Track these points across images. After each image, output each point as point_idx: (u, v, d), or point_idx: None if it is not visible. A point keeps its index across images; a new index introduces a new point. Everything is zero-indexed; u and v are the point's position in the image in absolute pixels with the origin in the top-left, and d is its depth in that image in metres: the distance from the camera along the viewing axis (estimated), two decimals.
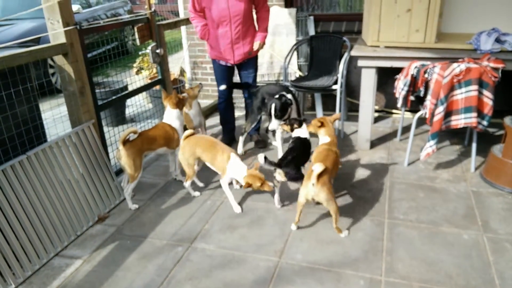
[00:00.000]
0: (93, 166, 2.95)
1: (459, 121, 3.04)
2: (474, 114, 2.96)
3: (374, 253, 2.43)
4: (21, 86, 2.59)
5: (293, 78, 4.46)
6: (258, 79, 4.70)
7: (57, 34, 2.74)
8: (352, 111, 4.52)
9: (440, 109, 2.99)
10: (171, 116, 3.24)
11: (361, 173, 3.33)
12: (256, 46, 3.57)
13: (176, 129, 3.21)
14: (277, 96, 3.26)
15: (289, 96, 3.30)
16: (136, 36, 3.58)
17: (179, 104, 3.27)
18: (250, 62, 3.69)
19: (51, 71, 6.18)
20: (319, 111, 4.59)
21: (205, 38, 3.59)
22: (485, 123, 3.01)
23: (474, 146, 3.26)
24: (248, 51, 3.56)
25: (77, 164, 2.84)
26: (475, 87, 2.91)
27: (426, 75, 3.07)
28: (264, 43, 3.63)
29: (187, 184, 3.08)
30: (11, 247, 2.33)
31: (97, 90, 3.25)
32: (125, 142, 2.87)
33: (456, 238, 2.52)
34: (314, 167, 2.44)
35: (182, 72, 5.24)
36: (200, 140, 3.03)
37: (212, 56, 3.69)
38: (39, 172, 2.56)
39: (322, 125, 2.92)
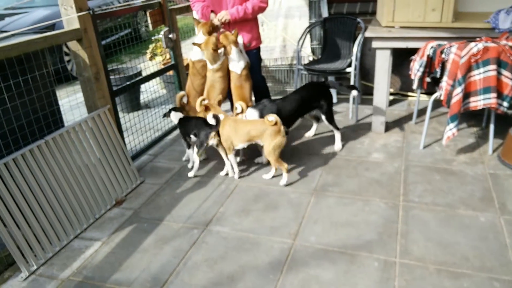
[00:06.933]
0: (110, 150, 3.00)
1: (478, 102, 2.97)
2: (494, 95, 2.90)
3: (388, 235, 2.43)
4: (37, 72, 2.62)
5: (306, 61, 4.42)
6: (271, 63, 4.69)
7: (70, 19, 2.76)
8: (366, 94, 4.47)
9: (458, 90, 2.94)
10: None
11: (376, 156, 3.31)
12: (217, 16, 3.27)
13: None
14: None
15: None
16: (149, 21, 3.58)
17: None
18: (249, 55, 3.47)
19: (66, 58, 6.25)
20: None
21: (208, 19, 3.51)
22: (505, 104, 2.94)
23: (491, 128, 3.20)
24: (245, 42, 3.42)
25: (94, 149, 2.89)
26: (493, 66, 2.84)
27: (442, 55, 3.01)
28: (226, 21, 3.27)
29: None
30: (32, 230, 2.40)
31: (111, 77, 3.28)
32: (183, 105, 3.42)
33: (473, 221, 2.50)
34: (271, 116, 2.86)
35: None
36: None
37: None
38: (57, 156, 2.61)
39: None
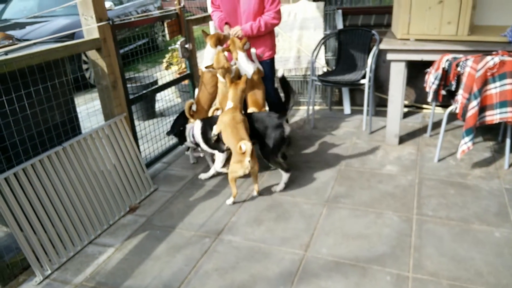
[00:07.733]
0: (125, 158, 3.04)
1: (494, 116, 2.94)
2: (510, 109, 2.87)
3: (401, 249, 2.40)
4: (57, 79, 2.69)
5: (320, 72, 4.44)
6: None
7: (90, 29, 2.83)
8: (380, 106, 4.45)
9: (474, 103, 2.91)
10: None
11: (389, 169, 3.29)
12: (231, 30, 3.33)
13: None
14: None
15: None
16: (166, 31, 3.65)
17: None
18: (262, 65, 3.48)
19: (84, 66, 6.38)
20: (346, 106, 4.56)
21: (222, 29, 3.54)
22: None
23: (508, 142, 3.16)
24: (258, 53, 3.44)
25: (110, 156, 2.93)
26: (510, 80, 2.81)
27: (458, 69, 2.99)
28: (241, 37, 3.31)
29: None
30: (48, 235, 2.44)
31: (128, 85, 3.35)
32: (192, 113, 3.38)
33: (488, 236, 2.46)
34: (244, 145, 2.74)
35: None
36: None
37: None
38: (74, 162, 2.66)
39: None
